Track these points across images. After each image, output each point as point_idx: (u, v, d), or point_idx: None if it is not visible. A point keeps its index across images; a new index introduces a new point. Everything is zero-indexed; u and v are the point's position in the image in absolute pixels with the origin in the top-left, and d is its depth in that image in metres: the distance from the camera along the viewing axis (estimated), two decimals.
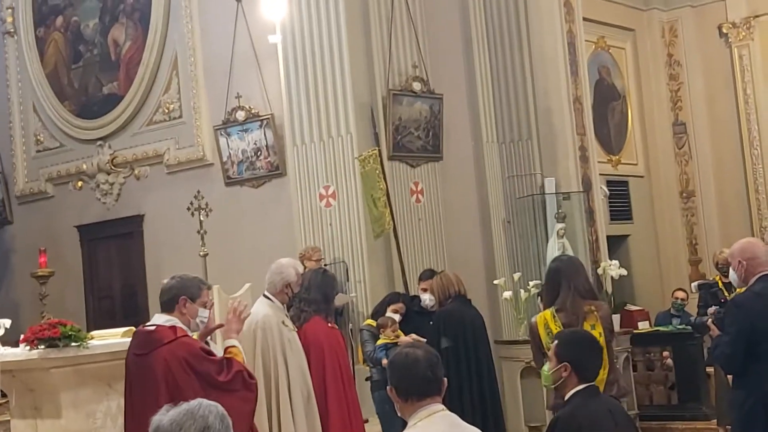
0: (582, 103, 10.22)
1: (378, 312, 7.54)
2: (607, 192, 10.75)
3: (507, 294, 8.87)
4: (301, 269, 6.17)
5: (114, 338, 7.19)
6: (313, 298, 6.44)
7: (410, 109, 9.54)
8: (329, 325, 6.42)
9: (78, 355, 6.67)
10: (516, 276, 8.99)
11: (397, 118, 9.42)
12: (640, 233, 12.16)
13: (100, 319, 11.05)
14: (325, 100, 9.26)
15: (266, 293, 5.92)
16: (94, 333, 7.02)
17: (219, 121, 10.40)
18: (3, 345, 7.25)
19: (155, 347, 4.77)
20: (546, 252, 9.26)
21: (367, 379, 7.34)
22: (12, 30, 12.37)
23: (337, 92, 9.21)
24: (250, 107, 10.17)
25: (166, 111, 11.02)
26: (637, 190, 12.23)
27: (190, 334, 4.97)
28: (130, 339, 7.08)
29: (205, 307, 4.92)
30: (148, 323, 5.02)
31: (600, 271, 9.40)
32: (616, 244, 11.16)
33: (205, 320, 4.95)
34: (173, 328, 4.80)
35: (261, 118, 10.07)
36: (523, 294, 8.87)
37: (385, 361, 6.81)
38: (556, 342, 3.90)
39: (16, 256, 12.47)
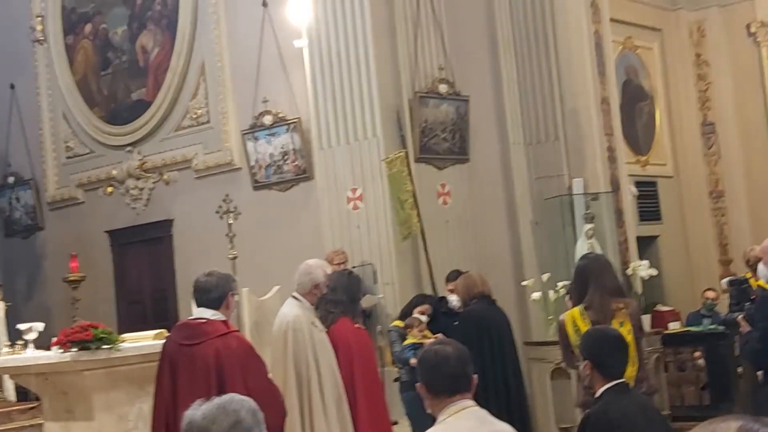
0: (609, 103, 10.19)
1: (406, 313, 7.57)
2: (636, 192, 10.70)
3: (536, 295, 8.85)
4: (329, 270, 6.21)
5: (145, 341, 7.27)
6: (339, 299, 6.47)
7: (436, 111, 9.56)
8: (356, 326, 6.43)
9: (110, 357, 6.75)
10: (545, 277, 8.96)
11: (424, 121, 9.44)
12: (670, 234, 12.08)
13: (130, 323, 11.09)
14: (352, 103, 9.29)
15: (295, 294, 5.95)
16: (126, 336, 7.09)
17: (246, 126, 10.47)
18: (36, 348, 7.36)
19: (209, 338, 4.89)
20: (575, 253, 9.22)
21: (395, 380, 7.35)
22: (42, 38, 12.47)
23: (363, 95, 9.24)
24: (277, 111, 10.23)
25: (194, 116, 11.10)
26: (666, 190, 12.16)
27: None
28: (162, 341, 7.22)
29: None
30: (193, 317, 5.11)
31: (630, 271, 9.37)
32: (645, 245, 11.09)
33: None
34: (225, 322, 4.96)
35: (288, 122, 10.12)
36: (552, 295, 8.85)
37: (413, 361, 6.81)
38: (580, 341, 3.90)
39: (47, 262, 12.61)
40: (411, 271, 9.15)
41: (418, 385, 3.20)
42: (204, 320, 4.97)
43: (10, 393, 9.88)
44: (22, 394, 9.62)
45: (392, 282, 9.00)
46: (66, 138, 12.41)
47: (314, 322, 5.95)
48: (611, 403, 3.62)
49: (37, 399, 8.75)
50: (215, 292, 5.01)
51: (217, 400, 2.54)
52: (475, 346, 5.85)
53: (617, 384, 3.68)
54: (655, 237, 11.85)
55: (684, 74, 12.55)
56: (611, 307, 4.61)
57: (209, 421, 2.49)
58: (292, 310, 5.96)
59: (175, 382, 4.92)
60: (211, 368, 4.80)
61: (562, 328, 4.72)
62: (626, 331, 4.39)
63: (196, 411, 2.52)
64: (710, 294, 10.28)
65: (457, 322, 6.94)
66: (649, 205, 11.78)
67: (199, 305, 5.09)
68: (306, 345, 5.86)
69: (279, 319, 5.94)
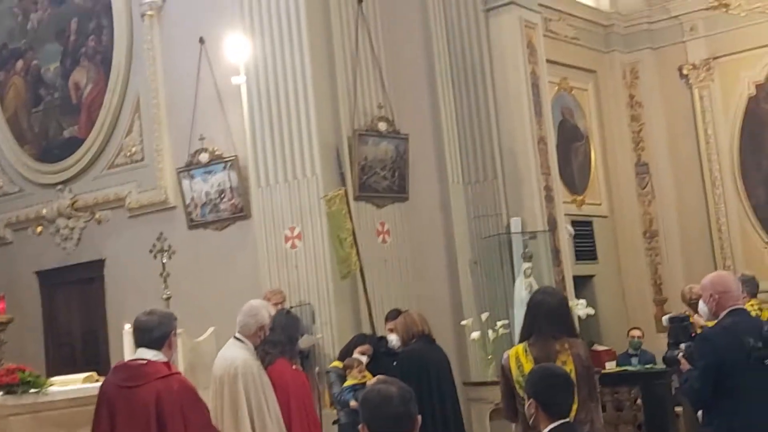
0: (546, 143, 10.28)
1: (345, 354, 7.44)
2: (573, 231, 10.77)
3: (475, 334, 8.80)
4: (273, 311, 6.05)
5: (74, 384, 7.03)
6: (277, 339, 6.33)
7: (376, 149, 9.52)
8: (294, 367, 6.30)
9: (37, 401, 6.51)
10: (484, 316, 8.92)
11: (363, 158, 9.39)
12: (606, 273, 12.19)
13: (59, 366, 10.77)
14: (290, 140, 9.20)
15: (238, 335, 5.77)
16: (54, 379, 6.85)
17: (182, 164, 10.29)
18: None
19: (149, 380, 4.72)
20: (513, 292, 9.22)
21: (334, 423, 7.20)
22: None
23: (302, 133, 9.16)
24: (213, 149, 10.08)
25: (128, 154, 10.89)
26: (601, 230, 12.28)
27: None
28: (91, 385, 6.98)
29: None
30: (133, 358, 4.93)
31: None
32: (581, 284, 11.15)
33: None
34: (167, 363, 4.78)
35: (225, 159, 9.97)
36: (491, 334, 8.80)
37: (353, 403, 6.69)
38: (525, 379, 3.82)
39: None
40: (350, 310, 9.04)
41: (360, 426, 3.09)
42: (144, 361, 4.78)
43: None
44: None
45: (330, 322, 8.88)
46: None
47: (260, 365, 5.80)
48: None
49: None
50: (157, 331, 4.83)
51: None
52: (415, 385, 5.68)
53: (562, 424, 3.61)
54: (591, 276, 11.92)
55: (618, 115, 12.75)
56: (555, 347, 4.54)
57: None
58: (239, 353, 5.76)
59: (114, 426, 4.72)
60: (151, 412, 4.62)
61: (505, 365, 4.63)
62: (569, 371, 4.32)
63: None
64: (635, 333, 10.41)
65: (396, 362, 6.84)
66: (585, 245, 11.87)
67: (139, 345, 4.89)
68: (258, 389, 5.70)
69: (224, 363, 5.74)
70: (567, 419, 3.67)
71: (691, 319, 5.63)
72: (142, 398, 4.65)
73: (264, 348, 6.21)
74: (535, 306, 4.70)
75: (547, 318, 4.61)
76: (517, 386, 4.50)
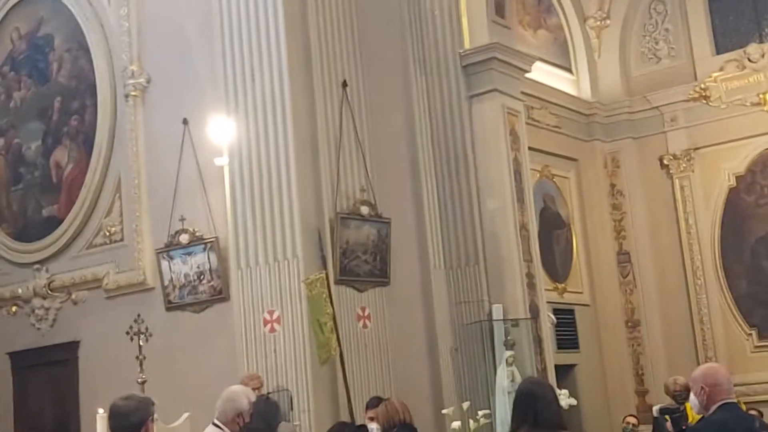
0: (528, 229, 10.27)
1: None
2: (555, 320, 10.68)
3: (455, 424, 8.57)
4: (253, 398, 5.88)
5: None
6: (255, 426, 6.16)
7: (358, 232, 9.46)
8: None
9: None
10: (465, 405, 8.73)
11: (345, 242, 9.32)
12: (587, 362, 12.06)
13: None
14: (272, 222, 9.14)
15: (216, 421, 5.60)
16: None
17: (161, 244, 10.17)
18: None
19: None
20: (495, 380, 9.07)
21: None
22: None
23: (284, 215, 9.10)
24: (194, 230, 9.98)
25: (107, 234, 10.78)
26: (583, 318, 12.19)
27: None
28: None
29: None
30: None
31: None
32: (563, 373, 11.01)
33: None
34: None
35: (205, 241, 9.87)
36: (471, 424, 8.61)
37: None
38: None
39: None
40: (328, 397, 8.85)
41: None
42: None
43: None
44: None
45: (309, 409, 8.69)
46: None
47: None
48: None
49: None
50: (134, 417, 4.63)
51: None
52: None
53: None
54: (573, 365, 11.78)
55: (599, 203, 12.79)
56: None
57: None
58: None
59: None
60: None
61: None
62: None
63: None
64: (631, 419, 10.22)
65: None
66: (566, 333, 11.76)
67: None
68: None
69: None
70: None
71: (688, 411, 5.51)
72: None
73: None
74: (527, 396, 4.57)
75: (542, 410, 4.47)
76: None
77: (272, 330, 9.01)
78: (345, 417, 8.57)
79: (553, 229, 12.11)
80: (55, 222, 11.20)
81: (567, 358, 11.56)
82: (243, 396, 5.71)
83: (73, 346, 10.85)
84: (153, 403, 4.83)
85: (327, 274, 8.75)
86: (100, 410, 7.20)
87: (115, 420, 4.68)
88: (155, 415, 4.83)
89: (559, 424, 4.50)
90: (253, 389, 8.45)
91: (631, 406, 11.89)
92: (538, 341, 9.93)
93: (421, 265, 9.82)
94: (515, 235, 10.01)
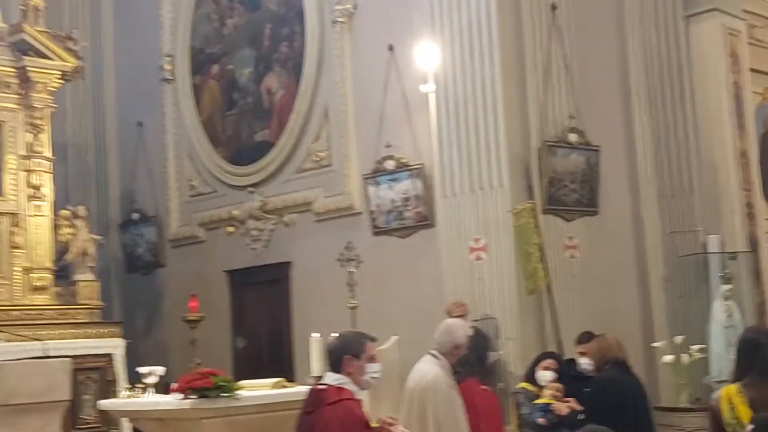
0: (748, 157, 9.73)
1: (530, 374, 7.20)
2: None
3: (667, 358, 8.39)
4: (470, 332, 5.93)
5: (264, 389, 7.13)
6: (465, 359, 6.22)
7: (565, 161, 9.23)
8: (483, 387, 6.16)
9: (228, 406, 6.64)
10: (678, 339, 8.50)
11: (552, 171, 9.12)
12: None
13: (246, 366, 11.09)
14: (478, 151, 9.06)
15: (433, 352, 5.71)
16: (243, 383, 6.95)
17: (368, 170, 10.34)
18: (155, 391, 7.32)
19: (320, 407, 4.69)
20: (711, 314, 8.74)
21: None
22: (170, 77, 12.72)
23: (490, 143, 9.00)
24: (399, 157, 10.07)
25: (316, 159, 11.04)
26: None
27: (358, 395, 4.83)
28: (279, 391, 7.07)
29: (373, 361, 4.80)
30: (321, 381, 4.94)
31: None
32: None
33: (377, 375, 4.82)
34: (340, 389, 4.70)
35: (411, 167, 9.94)
36: (685, 358, 8.37)
37: (541, 420, 6.51)
38: (752, 427, 3.52)
39: (166, 300, 12.71)
40: (535, 327, 8.81)
41: None
42: (324, 386, 4.78)
43: None
44: None
45: (515, 338, 8.67)
46: (190, 176, 12.53)
47: (453, 384, 5.70)
48: None
49: None
50: (335, 354, 4.84)
51: None
52: (610, 416, 5.48)
53: None
54: None
55: None
56: None
57: None
58: (432, 369, 5.70)
59: None
60: None
61: (714, 407, 4.32)
62: None
63: None
64: None
65: (588, 389, 6.56)
66: None
67: (329, 369, 4.92)
68: (448, 407, 5.61)
69: (416, 376, 5.72)
70: None
71: None
72: (313, 426, 4.64)
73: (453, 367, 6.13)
74: (751, 345, 4.37)
75: (765, 359, 4.27)
76: (728, 429, 4.19)
77: (478, 258, 9.01)
78: (551, 347, 8.52)
79: None
80: (266, 146, 11.57)
81: None
82: (460, 329, 5.78)
83: (285, 266, 11.29)
84: (359, 341, 4.89)
85: (534, 204, 8.63)
86: (314, 334, 7.46)
87: (327, 357, 4.89)
88: (361, 352, 4.91)
89: None
90: (458, 316, 8.55)
91: None
92: (757, 274, 9.46)
93: (632, 194, 9.52)
94: (734, 162, 9.51)
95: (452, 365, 5.62)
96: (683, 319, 9.02)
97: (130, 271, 13.21)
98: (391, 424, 4.73)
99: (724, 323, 8.51)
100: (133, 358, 10.52)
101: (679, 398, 8.42)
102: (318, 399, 4.70)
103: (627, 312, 9.19)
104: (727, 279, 8.75)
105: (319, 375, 7.10)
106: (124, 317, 12.23)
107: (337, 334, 4.97)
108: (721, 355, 8.42)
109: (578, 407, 6.57)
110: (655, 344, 8.65)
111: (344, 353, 4.79)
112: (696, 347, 8.33)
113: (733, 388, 4.32)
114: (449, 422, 5.58)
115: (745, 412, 4.09)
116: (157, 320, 12.81)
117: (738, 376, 4.35)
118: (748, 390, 4.24)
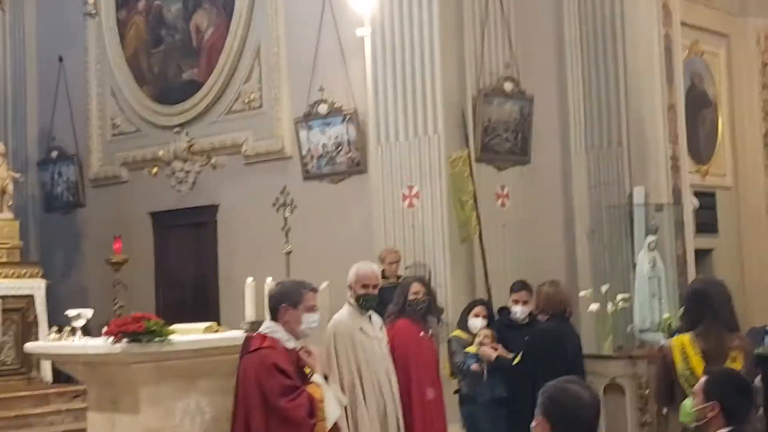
0: (676, 110, 9.86)
1: (462, 321, 7.26)
2: (698, 204, 10.36)
3: (593, 306, 8.54)
4: (367, 269, 5.84)
5: (196, 334, 7.03)
6: (396, 302, 6.31)
7: (500, 110, 9.26)
8: (422, 333, 6.22)
9: (161, 351, 6.52)
10: (603, 288, 8.66)
11: (487, 119, 9.14)
12: (726, 247, 11.73)
13: (169, 309, 10.93)
14: (413, 97, 9.02)
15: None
16: (175, 327, 6.83)
17: (300, 114, 10.20)
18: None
19: (245, 353, 4.89)
20: (636, 265, 8.92)
21: (455, 392, 7.08)
22: (93, 11, 12.21)
23: (426, 90, 8.96)
24: (333, 101, 9.96)
25: (247, 100, 10.84)
26: (723, 202, 11.81)
27: (286, 343, 4.83)
28: (212, 336, 6.99)
29: (312, 311, 4.80)
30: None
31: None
32: (699, 258, 10.74)
33: (315, 324, 4.84)
34: (264, 336, 4.82)
35: (344, 112, 9.84)
36: (610, 307, 8.54)
37: (474, 366, 6.58)
38: (706, 379, 3.61)
39: (87, 240, 12.43)
40: (465, 274, 8.90)
41: (539, 419, 2.93)
42: (254, 334, 4.84)
43: (47, 374, 9.72)
44: (59, 375, 9.45)
45: (445, 285, 8.74)
46: (113, 115, 12.20)
47: (362, 328, 5.67)
48: None
49: (73, 381, 8.57)
50: (270, 303, 4.92)
51: None
52: (549, 364, 5.58)
53: (734, 430, 3.41)
54: (710, 251, 11.49)
55: (749, 83, 12.16)
56: (727, 343, 4.32)
57: None
58: (338, 315, 5.81)
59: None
60: (239, 387, 4.83)
61: (666, 354, 4.42)
62: (739, 368, 4.11)
63: None
64: None
65: (522, 336, 6.65)
66: (706, 217, 11.42)
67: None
68: (348, 353, 5.64)
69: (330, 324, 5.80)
70: (739, 427, 3.46)
71: None
72: (240, 370, 4.85)
73: (385, 311, 6.18)
74: (701, 295, 4.49)
75: (720, 310, 4.38)
76: (681, 380, 4.29)
77: (410, 205, 9.02)
78: (480, 294, 8.62)
79: (699, 109, 11.59)
80: (194, 86, 11.32)
81: (704, 242, 11.25)
82: (353, 269, 5.81)
83: (212, 209, 11.13)
84: (302, 289, 4.89)
85: (469, 153, 8.64)
86: (249, 279, 7.36)
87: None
88: (297, 301, 4.90)
89: (736, 325, 4.42)
90: (391, 263, 8.60)
91: (766, 295, 11.58)
92: (680, 226, 9.66)
93: (562, 145, 9.60)
94: (662, 116, 9.63)
95: (363, 307, 5.58)
96: (607, 269, 9.17)
97: (48, 210, 12.86)
98: (309, 353, 4.79)
99: (648, 273, 8.69)
100: (52, 301, 10.30)
101: (602, 346, 8.60)
102: (245, 345, 4.80)
103: (553, 261, 9.32)
104: (653, 230, 8.91)
105: (253, 321, 7.06)
106: (42, 258, 11.92)
107: (274, 281, 4.98)
108: (645, 305, 8.61)
109: (506, 354, 6.62)
110: (582, 293, 8.80)
111: (281, 302, 4.83)
112: (621, 296, 8.48)
113: (686, 338, 4.43)
114: (352, 369, 5.61)
115: (698, 363, 4.19)
116: (76, 262, 12.53)
117: (688, 326, 4.45)
118: (700, 341, 4.34)
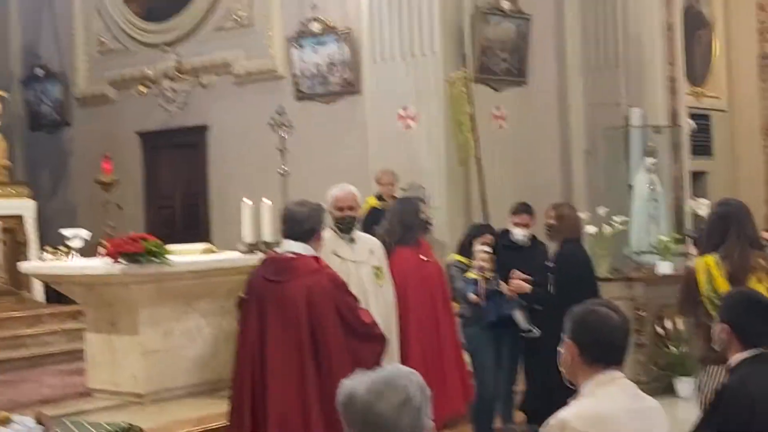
0: (674, 30, 9.73)
1: (463, 247, 7.17)
2: (695, 126, 10.29)
3: (591, 229, 8.52)
4: (340, 192, 5.63)
5: (193, 255, 6.97)
6: (391, 228, 6.20)
7: (497, 29, 9.08)
8: (422, 258, 6.15)
9: (160, 272, 6.47)
10: (601, 210, 8.62)
11: (484, 39, 8.96)
12: (720, 170, 11.72)
13: (158, 229, 10.76)
14: (410, 15, 8.82)
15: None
16: (172, 248, 6.76)
17: (292, 32, 9.98)
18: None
19: (295, 276, 4.60)
20: (632, 186, 8.88)
21: (457, 316, 7.04)
22: None
23: (423, 8, 8.76)
24: (326, 19, 9.73)
25: (237, 18, 10.57)
26: (718, 124, 11.76)
27: None
28: (211, 258, 6.92)
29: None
30: (281, 250, 4.83)
31: (687, 209, 9.05)
32: (694, 181, 10.73)
33: None
34: (316, 258, 4.66)
35: (338, 31, 9.63)
36: (607, 230, 8.52)
37: (472, 297, 6.52)
38: (722, 302, 3.58)
39: (73, 159, 12.24)
40: (461, 196, 8.83)
41: (567, 343, 2.88)
42: (294, 255, 4.66)
43: (39, 294, 9.65)
44: (50, 295, 9.37)
45: (441, 207, 8.66)
46: (99, 32, 11.86)
47: (336, 251, 5.54)
48: (752, 375, 3.30)
49: (65, 301, 8.48)
50: (307, 224, 4.71)
51: (382, 374, 2.24)
52: (576, 290, 5.53)
53: (759, 354, 3.37)
54: (704, 173, 11.47)
55: (745, 2, 12.01)
56: (750, 262, 4.29)
57: (375, 396, 2.19)
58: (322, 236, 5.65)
59: (263, 321, 4.60)
60: (301, 308, 4.51)
61: (690, 275, 4.39)
62: (764, 289, 4.09)
63: (358, 383, 2.22)
64: (766, 235, 9.96)
65: (521, 259, 6.60)
66: (700, 139, 11.38)
67: (287, 237, 4.77)
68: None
69: None
70: (761, 349, 3.42)
71: None
72: (291, 294, 4.54)
73: (382, 237, 6.08)
74: (723, 217, 4.43)
75: (744, 231, 4.34)
76: (706, 302, 4.26)
77: (406, 126, 8.90)
78: (477, 217, 8.57)
79: (694, 30, 11.45)
80: (182, 2, 11.01)
81: (700, 164, 11.21)
82: (329, 192, 5.59)
83: (202, 130, 10.95)
84: (324, 211, 4.87)
85: (467, 72, 8.50)
86: (245, 199, 7.27)
87: (290, 225, 4.74)
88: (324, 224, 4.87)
89: (759, 243, 4.40)
90: (387, 185, 8.51)
91: (760, 216, 11.60)
92: (676, 148, 9.62)
93: (559, 65, 9.47)
94: (660, 36, 9.50)
95: (343, 231, 5.48)
96: (605, 190, 9.13)
97: (33, 129, 12.62)
98: None
99: (646, 196, 8.66)
100: (39, 221, 10.17)
101: (599, 269, 8.58)
102: (291, 267, 4.61)
103: (550, 182, 9.28)
104: (650, 152, 8.86)
105: (252, 242, 6.99)
106: (29, 178, 11.74)
107: (298, 202, 4.85)
108: (642, 227, 8.61)
109: (527, 281, 6.54)
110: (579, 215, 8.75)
111: (317, 227, 4.74)
112: (619, 218, 8.46)
113: (711, 259, 4.37)
114: None
115: (723, 284, 4.16)
116: (63, 181, 12.35)
117: (711, 248, 4.41)
118: (726, 262, 4.30)
